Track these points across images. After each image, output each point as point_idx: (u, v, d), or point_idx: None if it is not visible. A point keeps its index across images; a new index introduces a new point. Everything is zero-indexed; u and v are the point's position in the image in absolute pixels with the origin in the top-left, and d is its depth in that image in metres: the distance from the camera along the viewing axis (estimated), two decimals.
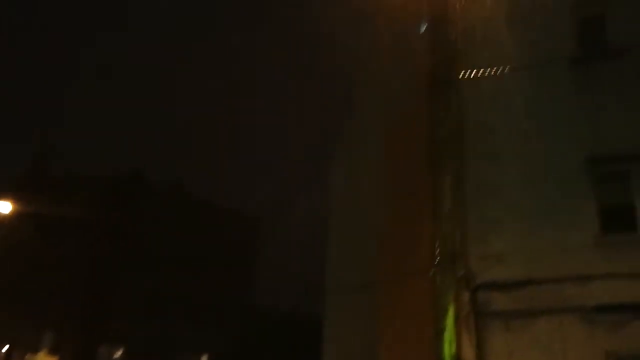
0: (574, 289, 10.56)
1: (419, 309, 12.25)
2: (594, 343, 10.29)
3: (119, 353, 38.72)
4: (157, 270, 40.17)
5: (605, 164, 11.27)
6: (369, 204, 15.40)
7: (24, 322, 36.74)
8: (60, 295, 37.31)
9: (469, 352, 10.77)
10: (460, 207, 11.72)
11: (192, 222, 43.13)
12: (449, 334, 11.04)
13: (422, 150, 12.81)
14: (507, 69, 12.11)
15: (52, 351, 35.18)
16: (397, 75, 14.71)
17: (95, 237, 38.84)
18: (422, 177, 12.54)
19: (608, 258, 10.67)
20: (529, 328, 10.71)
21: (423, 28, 14.10)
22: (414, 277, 12.55)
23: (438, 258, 11.70)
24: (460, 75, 12.36)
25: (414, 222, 12.91)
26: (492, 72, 12.19)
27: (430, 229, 12.16)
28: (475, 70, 12.30)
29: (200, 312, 41.71)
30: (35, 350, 35.36)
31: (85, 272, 38.53)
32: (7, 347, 37.38)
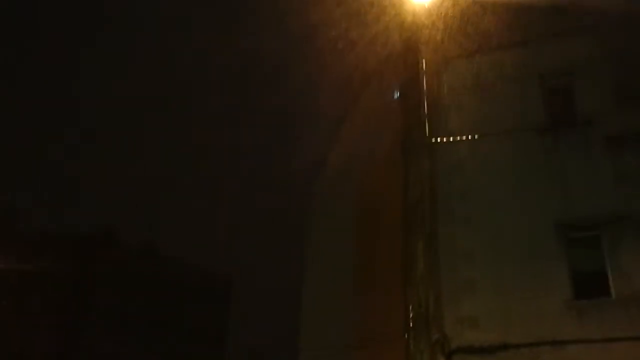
0: (549, 354, 10.50)
1: None
2: None
3: None
4: (126, 331, 39.02)
5: (575, 230, 11.43)
6: (341, 269, 15.31)
7: None
8: (24, 354, 35.92)
9: None
10: (434, 271, 11.69)
11: (163, 281, 42.31)
12: None
13: (396, 214, 12.86)
14: (477, 135, 12.39)
15: None
16: (370, 138, 14.93)
17: (63, 296, 37.78)
18: (395, 240, 12.54)
19: (581, 323, 10.68)
20: None
21: (397, 94, 14.43)
22: (388, 341, 12.36)
23: (412, 322, 11.57)
24: (433, 140, 12.58)
25: (387, 286, 12.83)
26: (464, 138, 12.45)
27: (403, 292, 12.07)
28: (447, 136, 12.56)
29: None
30: None
31: (51, 332, 37.27)
32: None
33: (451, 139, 12.57)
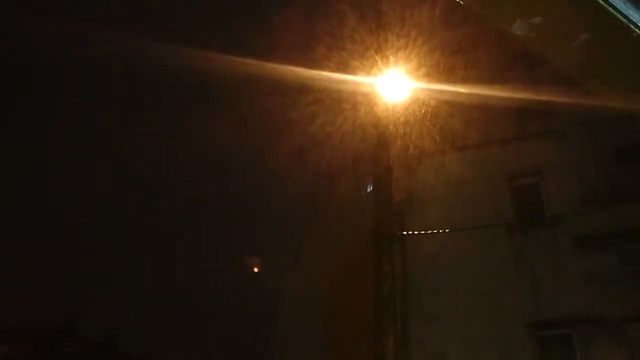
0: None
1: None
2: None
3: None
4: None
5: (546, 328, 11.28)
6: None
7: None
8: None
9: None
10: None
11: None
12: None
13: (367, 309, 12.64)
14: (448, 230, 12.45)
15: None
16: (343, 232, 14.91)
17: None
18: (366, 336, 12.25)
19: None
20: None
21: (370, 188, 14.60)
22: None
23: None
24: (405, 233, 12.62)
25: None
26: (434, 231, 12.50)
27: None
28: (418, 230, 12.60)
29: None
30: None
31: None
32: None
33: (422, 232, 12.61)
